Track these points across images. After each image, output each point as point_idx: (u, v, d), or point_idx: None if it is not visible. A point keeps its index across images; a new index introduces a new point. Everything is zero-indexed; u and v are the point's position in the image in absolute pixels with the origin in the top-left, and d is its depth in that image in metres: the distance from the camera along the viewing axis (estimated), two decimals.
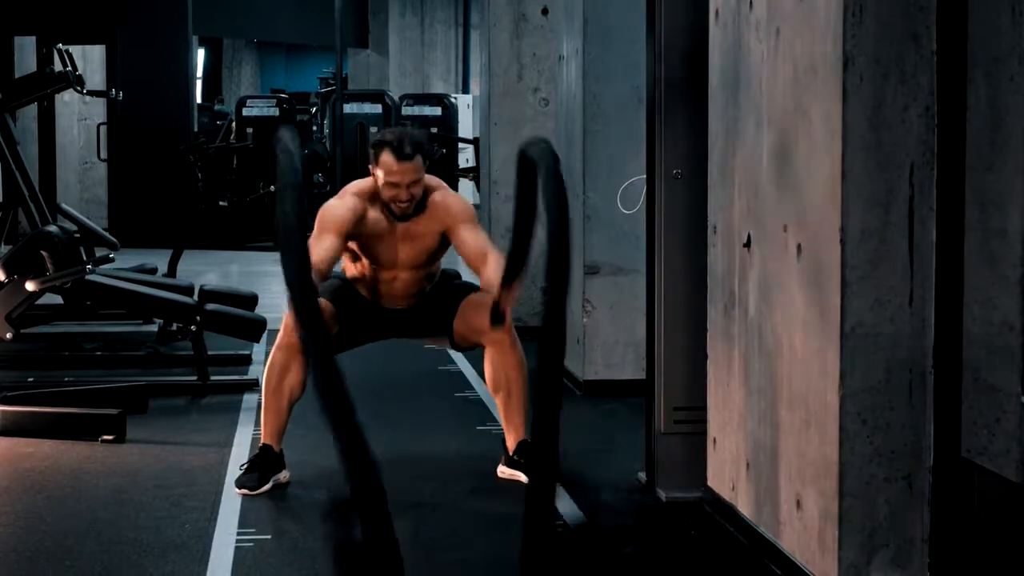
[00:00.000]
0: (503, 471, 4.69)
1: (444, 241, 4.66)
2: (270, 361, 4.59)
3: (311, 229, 4.02)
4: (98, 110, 14.90)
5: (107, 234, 8.99)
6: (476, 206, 4.62)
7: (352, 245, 4.61)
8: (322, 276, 4.42)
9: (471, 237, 4.58)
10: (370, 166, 4.58)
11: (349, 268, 4.76)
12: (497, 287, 4.31)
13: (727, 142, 3.97)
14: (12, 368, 6.63)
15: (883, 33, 3.14)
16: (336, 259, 4.57)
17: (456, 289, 4.75)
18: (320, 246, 4.42)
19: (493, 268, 4.45)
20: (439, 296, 4.73)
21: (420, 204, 4.61)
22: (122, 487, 4.60)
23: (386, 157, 4.50)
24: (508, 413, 4.64)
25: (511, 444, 4.67)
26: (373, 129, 14.20)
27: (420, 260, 4.66)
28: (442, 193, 4.67)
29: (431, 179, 4.66)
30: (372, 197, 4.59)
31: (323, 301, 4.57)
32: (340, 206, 4.57)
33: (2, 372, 6.51)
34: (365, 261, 4.66)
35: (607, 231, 6.14)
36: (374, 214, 4.59)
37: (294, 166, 2.64)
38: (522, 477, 4.56)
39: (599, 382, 6.17)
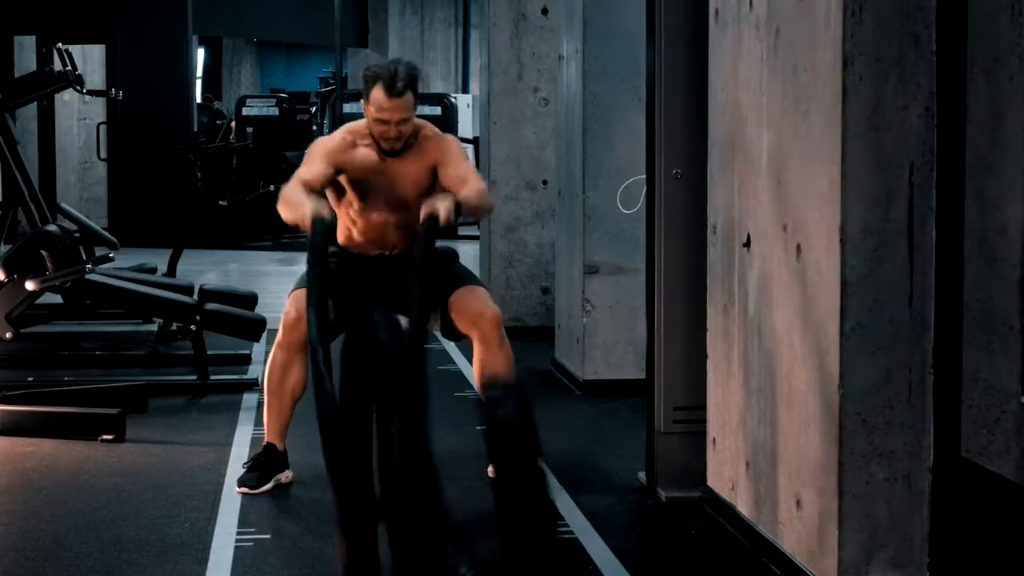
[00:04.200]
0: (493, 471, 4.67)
1: (434, 179, 4.58)
2: (271, 360, 4.59)
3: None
4: (98, 110, 14.91)
5: (107, 233, 8.99)
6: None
7: (344, 182, 4.56)
8: (310, 190, 4.38)
9: (456, 169, 4.51)
10: (362, 101, 4.53)
11: (341, 222, 4.70)
12: (464, 200, 4.32)
13: (727, 142, 3.97)
14: (12, 367, 6.62)
15: (883, 33, 3.14)
16: (325, 183, 4.49)
17: (456, 273, 4.69)
18: (310, 169, 4.45)
19: (468, 191, 4.42)
20: (436, 268, 4.67)
21: (410, 142, 4.55)
22: (122, 486, 4.60)
23: (377, 93, 4.43)
24: None
25: None
26: None
27: (409, 198, 4.57)
28: (433, 130, 4.63)
29: (420, 121, 4.61)
30: (363, 135, 4.56)
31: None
32: (330, 139, 4.60)
33: (2, 371, 6.51)
34: (356, 205, 4.60)
35: (607, 231, 6.14)
36: (364, 150, 4.52)
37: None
38: None
39: (599, 382, 6.17)
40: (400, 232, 4.63)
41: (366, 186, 4.57)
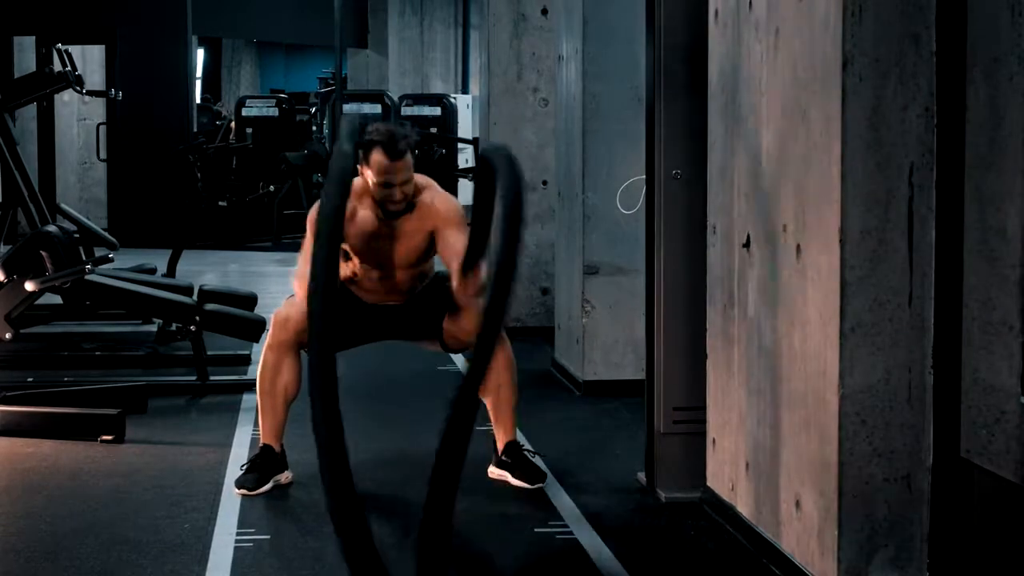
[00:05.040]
0: (493, 472, 4.69)
1: (433, 241, 4.62)
2: (262, 361, 4.59)
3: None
4: (97, 110, 14.90)
5: (106, 234, 8.98)
6: (469, 206, 4.55)
7: (344, 245, 4.58)
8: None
9: (455, 240, 4.49)
10: (359, 166, 4.51)
11: (341, 269, 4.73)
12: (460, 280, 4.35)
13: (727, 142, 3.97)
14: (11, 368, 6.62)
15: (882, 33, 3.14)
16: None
17: (446, 292, 4.72)
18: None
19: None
20: (430, 297, 4.71)
21: (410, 203, 4.57)
22: (121, 487, 4.60)
23: (377, 156, 4.43)
24: (497, 414, 4.64)
25: (500, 445, 4.67)
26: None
27: (411, 259, 4.62)
28: (431, 193, 4.62)
29: (420, 178, 4.62)
30: (362, 196, 4.56)
31: None
32: None
33: (2, 372, 6.51)
34: (356, 260, 4.63)
35: (607, 231, 6.14)
36: (364, 212, 4.54)
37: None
38: (510, 478, 4.59)
39: (599, 382, 6.17)
40: (400, 287, 4.69)
41: (367, 248, 4.60)
